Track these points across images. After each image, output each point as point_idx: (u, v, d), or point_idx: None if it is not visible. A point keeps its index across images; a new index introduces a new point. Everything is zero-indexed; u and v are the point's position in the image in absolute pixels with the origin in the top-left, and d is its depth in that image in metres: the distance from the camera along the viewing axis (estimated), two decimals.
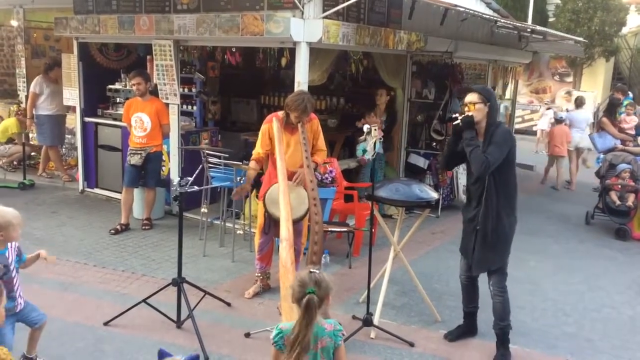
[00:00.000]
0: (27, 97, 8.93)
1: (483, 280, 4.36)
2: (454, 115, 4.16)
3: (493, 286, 4.19)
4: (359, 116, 7.84)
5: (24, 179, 8.43)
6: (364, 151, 7.29)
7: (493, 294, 4.20)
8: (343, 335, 2.64)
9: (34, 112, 8.57)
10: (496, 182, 4.02)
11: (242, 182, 5.96)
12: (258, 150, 4.90)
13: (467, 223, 4.27)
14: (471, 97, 4.07)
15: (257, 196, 5.69)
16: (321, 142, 5.00)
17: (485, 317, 4.53)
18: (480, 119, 4.03)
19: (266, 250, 5.05)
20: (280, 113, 4.82)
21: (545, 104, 14.94)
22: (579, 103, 11.32)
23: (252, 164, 4.94)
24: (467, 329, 4.53)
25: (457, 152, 4.20)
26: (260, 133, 4.88)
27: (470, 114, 4.02)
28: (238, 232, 6.22)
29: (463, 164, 4.36)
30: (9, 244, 3.40)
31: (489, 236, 4.07)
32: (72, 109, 8.48)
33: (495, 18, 8.69)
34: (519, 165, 12.27)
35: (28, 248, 5.90)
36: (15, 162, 9.26)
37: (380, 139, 4.34)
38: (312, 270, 2.59)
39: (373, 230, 4.99)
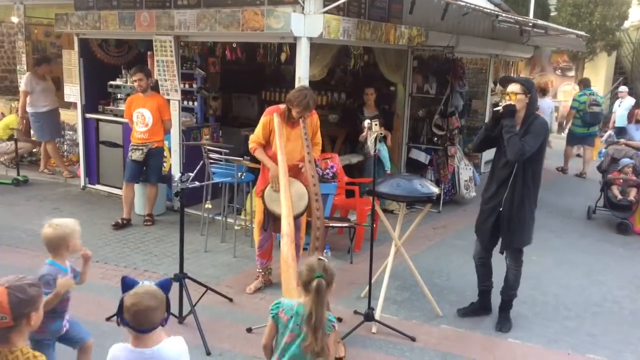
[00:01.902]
0: None
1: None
2: (496, 102, 4.39)
3: (510, 261, 4.53)
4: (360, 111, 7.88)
5: (18, 174, 8.46)
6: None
7: (509, 267, 4.53)
8: (333, 327, 2.75)
9: (28, 110, 8.57)
10: (525, 169, 4.27)
11: (243, 178, 5.97)
12: (259, 140, 4.81)
13: (486, 203, 4.51)
14: (514, 87, 4.28)
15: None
16: (318, 137, 4.99)
17: (492, 314, 4.54)
18: (520, 109, 4.25)
19: (266, 247, 5.06)
20: (282, 106, 4.81)
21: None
22: (544, 92, 11.82)
23: (259, 152, 4.83)
24: (480, 306, 4.77)
25: (490, 137, 4.44)
26: (260, 123, 4.82)
27: (512, 102, 4.23)
28: (237, 227, 6.22)
29: (492, 148, 4.64)
30: (67, 262, 3.25)
31: (513, 220, 4.34)
32: (73, 104, 8.48)
33: (496, 12, 8.65)
34: None
35: (30, 243, 5.96)
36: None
37: (382, 134, 4.32)
38: (320, 257, 2.75)
39: (374, 225, 4.99)
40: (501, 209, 4.36)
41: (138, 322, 2.34)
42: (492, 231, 4.47)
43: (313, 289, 2.64)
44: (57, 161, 8.92)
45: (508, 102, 4.26)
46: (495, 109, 4.36)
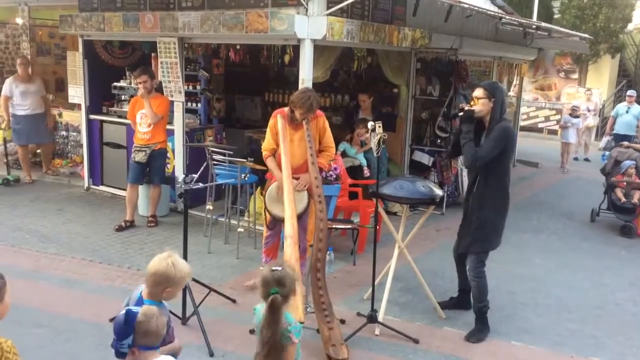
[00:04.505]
0: None
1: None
2: (460, 106, 4.47)
3: (469, 271, 4.49)
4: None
5: (8, 174, 8.47)
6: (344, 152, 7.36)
7: (470, 278, 4.48)
8: (290, 338, 2.58)
9: (10, 113, 8.53)
10: (487, 174, 4.27)
11: (246, 179, 5.99)
12: (271, 146, 4.81)
13: (464, 208, 4.61)
14: (477, 92, 4.31)
15: (262, 193, 5.70)
16: (328, 140, 4.90)
17: (493, 317, 4.54)
18: (484, 114, 4.26)
19: (272, 244, 5.08)
20: (286, 109, 4.83)
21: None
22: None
23: (270, 160, 4.81)
24: (458, 301, 4.88)
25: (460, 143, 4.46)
26: (268, 128, 4.85)
27: (473, 108, 4.26)
28: (240, 230, 6.23)
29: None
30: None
31: (472, 224, 4.38)
32: (77, 106, 8.51)
33: (500, 14, 8.67)
34: (523, 163, 12.36)
35: (35, 245, 5.99)
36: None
37: (385, 135, 4.32)
38: (274, 268, 2.59)
39: (377, 227, 5.00)
40: (467, 213, 4.47)
41: (157, 339, 2.36)
42: (463, 233, 4.57)
43: (267, 306, 2.52)
44: (24, 166, 8.73)
45: (469, 108, 4.28)
46: (459, 114, 4.38)
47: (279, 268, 2.59)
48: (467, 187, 4.53)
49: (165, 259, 2.71)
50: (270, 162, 4.83)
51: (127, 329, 2.30)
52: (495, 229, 4.36)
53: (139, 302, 2.70)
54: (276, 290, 2.52)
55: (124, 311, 2.34)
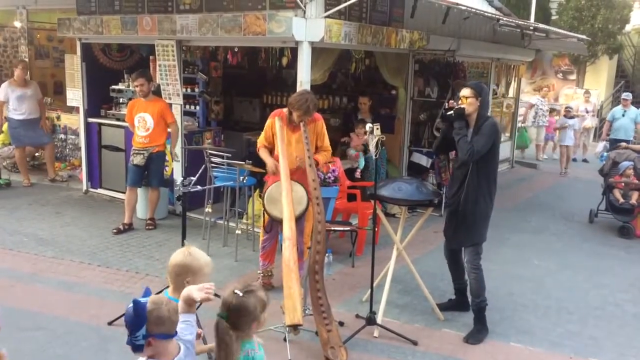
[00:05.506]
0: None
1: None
2: (449, 105, 4.60)
3: (467, 263, 4.54)
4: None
5: None
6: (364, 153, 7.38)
7: (468, 271, 4.54)
8: None
9: (8, 116, 8.48)
10: (479, 169, 4.39)
11: (245, 181, 5.98)
12: (263, 143, 4.97)
13: (449, 205, 4.65)
14: (465, 92, 4.44)
15: (260, 195, 5.70)
16: (326, 143, 5.03)
17: (492, 318, 4.54)
18: (471, 112, 4.41)
19: (269, 248, 5.07)
20: (285, 110, 4.86)
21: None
22: None
23: (262, 150, 4.95)
24: (456, 303, 4.90)
25: (449, 139, 4.56)
26: (265, 126, 4.97)
27: (462, 106, 4.40)
28: (238, 232, 6.22)
29: (452, 150, 4.77)
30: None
31: (467, 217, 4.44)
32: (75, 109, 8.50)
33: (497, 16, 8.68)
34: (523, 164, 12.37)
35: (33, 248, 5.97)
36: None
37: (383, 137, 4.33)
38: (236, 291, 2.39)
39: (376, 229, 5.00)
40: (459, 208, 4.50)
41: (172, 326, 2.30)
42: (454, 229, 4.60)
43: (214, 328, 2.37)
44: (21, 169, 8.69)
45: (459, 106, 4.41)
46: (448, 113, 4.50)
47: (240, 294, 2.38)
48: (456, 183, 4.54)
49: (184, 251, 2.84)
50: (262, 152, 4.95)
51: (139, 319, 2.25)
52: (487, 219, 4.53)
53: (147, 293, 2.67)
54: (224, 316, 2.36)
55: (131, 303, 2.30)
